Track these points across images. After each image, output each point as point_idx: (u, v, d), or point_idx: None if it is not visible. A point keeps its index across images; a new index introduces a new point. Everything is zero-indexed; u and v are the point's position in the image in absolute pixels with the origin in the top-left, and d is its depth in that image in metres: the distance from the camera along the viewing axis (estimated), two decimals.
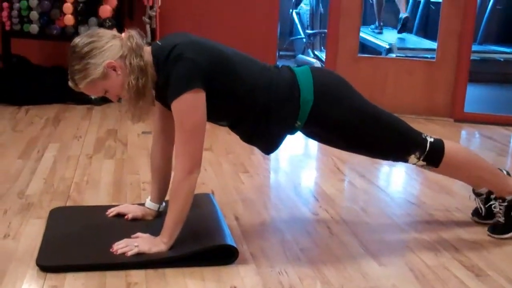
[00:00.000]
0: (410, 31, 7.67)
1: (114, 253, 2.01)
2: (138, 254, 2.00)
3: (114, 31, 2.11)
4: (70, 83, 2.05)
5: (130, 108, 2.06)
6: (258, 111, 2.11)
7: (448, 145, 2.33)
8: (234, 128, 2.24)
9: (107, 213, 2.37)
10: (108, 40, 2.01)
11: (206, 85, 1.98)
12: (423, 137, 2.30)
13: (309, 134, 2.34)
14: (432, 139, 2.30)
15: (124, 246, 2.03)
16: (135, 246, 2.02)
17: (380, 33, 7.56)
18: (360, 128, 2.22)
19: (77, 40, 2.02)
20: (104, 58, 1.98)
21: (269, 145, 2.23)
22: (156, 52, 2.04)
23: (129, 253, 2.00)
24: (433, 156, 2.29)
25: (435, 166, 2.32)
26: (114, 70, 2.00)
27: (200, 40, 2.08)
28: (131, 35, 2.04)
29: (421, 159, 2.29)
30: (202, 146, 2.02)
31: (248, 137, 2.23)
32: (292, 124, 2.17)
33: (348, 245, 2.31)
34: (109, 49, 2.00)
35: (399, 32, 7.27)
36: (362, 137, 2.25)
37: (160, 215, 2.30)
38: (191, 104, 1.96)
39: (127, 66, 2.00)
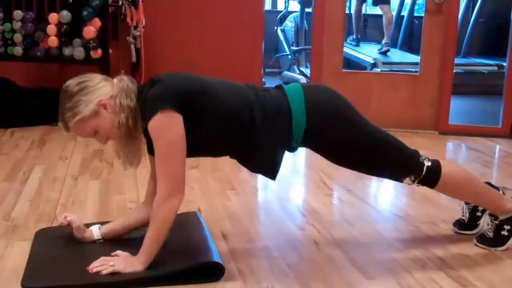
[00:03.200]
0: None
1: (90, 271, 1.99)
2: (123, 273, 1.99)
3: (106, 76, 2.14)
4: (60, 124, 2.07)
5: (121, 149, 2.08)
6: (249, 135, 2.09)
7: (446, 169, 2.28)
8: (234, 156, 2.22)
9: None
10: (100, 81, 2.06)
11: (183, 109, 1.98)
12: (421, 160, 2.25)
13: (307, 147, 2.28)
14: (429, 163, 2.25)
15: (100, 265, 2.01)
16: (111, 265, 2.00)
17: (358, 45, 7.67)
18: (357, 148, 2.20)
19: (69, 81, 2.07)
20: (96, 96, 2.02)
21: (269, 168, 2.19)
22: (138, 95, 2.06)
23: (104, 272, 1.99)
24: (428, 180, 2.27)
25: (431, 187, 2.31)
26: (105, 108, 2.03)
27: (180, 72, 2.11)
28: (122, 78, 2.08)
29: (415, 182, 2.27)
30: (183, 168, 2.00)
31: (250, 164, 2.20)
32: (286, 143, 2.16)
33: (335, 259, 2.31)
34: (101, 88, 2.04)
35: (380, 53, 7.49)
36: (359, 156, 2.23)
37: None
38: (165, 124, 1.96)
39: (117, 105, 2.02)
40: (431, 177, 2.26)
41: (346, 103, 2.24)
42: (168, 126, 1.96)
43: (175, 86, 2.00)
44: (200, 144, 2.08)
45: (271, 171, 2.19)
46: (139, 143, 2.07)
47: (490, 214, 2.44)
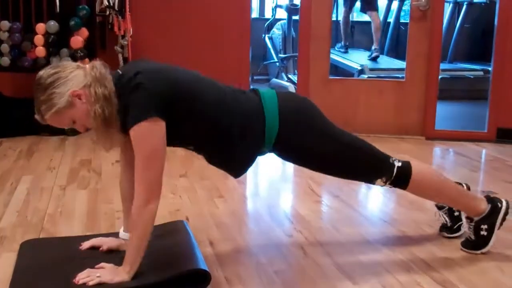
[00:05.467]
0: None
1: (76, 283, 1.98)
2: (110, 283, 1.99)
3: (78, 63, 2.12)
4: (36, 116, 2.05)
5: (100, 137, 2.06)
6: (223, 136, 2.13)
7: (416, 169, 2.33)
8: (199, 151, 2.25)
9: (80, 247, 2.35)
10: (72, 70, 2.03)
11: (166, 113, 1.99)
12: (391, 161, 2.30)
13: (279, 155, 2.32)
14: (399, 164, 2.31)
15: (86, 277, 2.01)
16: (97, 276, 2.00)
17: (346, 52, 7.69)
18: (327, 152, 2.24)
19: (41, 72, 2.03)
20: (69, 87, 1.99)
21: (236, 169, 2.25)
22: (117, 80, 2.05)
23: (90, 283, 1.98)
24: (399, 180, 2.31)
25: (403, 188, 2.35)
26: (79, 98, 2.00)
27: (161, 68, 2.10)
28: (95, 66, 2.05)
29: (387, 183, 2.31)
30: (161, 174, 2.01)
31: (214, 161, 2.25)
32: (258, 148, 2.19)
33: (322, 265, 2.33)
34: (73, 78, 2.01)
35: (371, 59, 7.57)
36: (329, 161, 2.28)
37: None
38: (147, 132, 1.96)
39: (92, 95, 2.00)
40: (402, 177, 2.30)
41: (317, 109, 2.29)
42: (150, 134, 1.97)
43: (160, 93, 1.98)
44: (174, 137, 2.09)
45: (236, 174, 2.27)
46: (116, 127, 2.04)
47: (466, 218, 2.47)
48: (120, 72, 2.09)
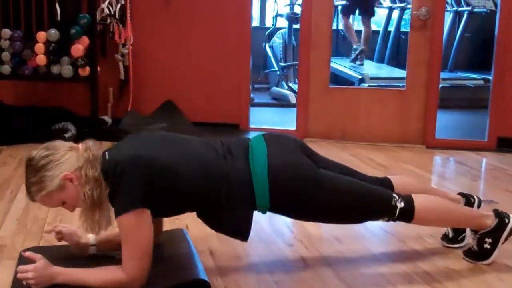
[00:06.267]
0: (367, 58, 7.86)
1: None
2: None
3: (71, 143, 2.10)
4: (26, 196, 2.07)
5: (87, 219, 2.04)
6: (213, 210, 2.12)
7: (419, 206, 2.27)
8: (200, 217, 2.22)
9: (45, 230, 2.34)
10: (65, 153, 2.02)
11: (150, 201, 1.98)
12: (393, 204, 2.24)
13: (278, 213, 2.27)
14: (402, 205, 2.24)
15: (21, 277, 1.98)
16: (27, 283, 1.97)
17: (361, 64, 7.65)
18: (327, 210, 2.19)
19: (34, 153, 2.03)
20: (61, 170, 1.99)
21: (238, 232, 2.21)
22: (103, 166, 2.02)
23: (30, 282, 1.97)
24: (402, 218, 2.28)
25: (407, 222, 2.32)
26: (71, 181, 2.00)
27: (141, 153, 2.02)
28: (88, 147, 2.05)
29: (389, 221, 2.29)
30: (149, 259, 1.99)
31: (215, 227, 2.21)
32: (251, 214, 2.17)
33: (322, 276, 2.31)
34: (66, 161, 2.01)
35: (352, 61, 7.57)
36: (331, 215, 2.25)
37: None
38: (133, 223, 1.95)
39: (82, 177, 1.99)
40: (404, 216, 2.26)
41: (311, 166, 2.19)
42: (136, 226, 1.95)
43: (142, 179, 1.96)
44: (166, 213, 2.18)
45: (241, 237, 2.22)
46: (105, 211, 2.03)
47: (471, 229, 2.46)
48: (107, 157, 2.05)
